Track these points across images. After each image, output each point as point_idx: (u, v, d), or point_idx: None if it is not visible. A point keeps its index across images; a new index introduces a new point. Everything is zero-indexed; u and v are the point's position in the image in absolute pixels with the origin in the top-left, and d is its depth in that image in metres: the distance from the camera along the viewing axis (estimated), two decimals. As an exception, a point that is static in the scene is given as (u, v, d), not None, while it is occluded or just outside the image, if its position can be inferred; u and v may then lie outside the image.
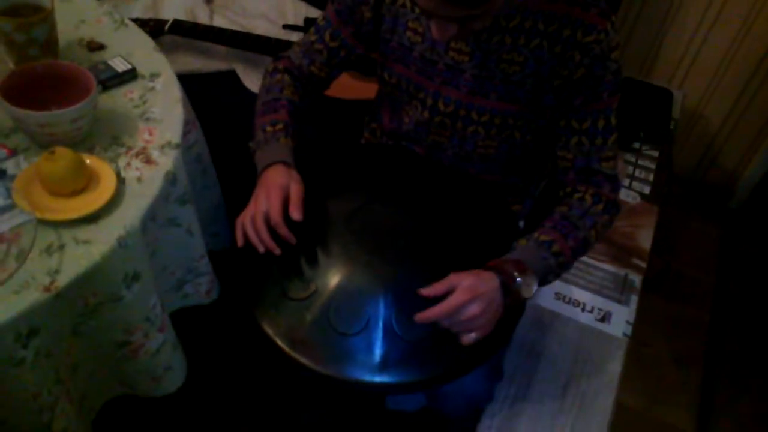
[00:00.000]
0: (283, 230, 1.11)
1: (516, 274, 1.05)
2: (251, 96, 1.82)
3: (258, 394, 1.61)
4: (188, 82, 1.80)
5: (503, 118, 1.19)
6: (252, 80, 1.88)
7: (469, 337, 1.04)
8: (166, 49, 1.38)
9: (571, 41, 1.07)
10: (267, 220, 1.11)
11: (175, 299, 1.29)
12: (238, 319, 1.22)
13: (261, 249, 1.11)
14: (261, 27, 1.99)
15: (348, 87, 1.86)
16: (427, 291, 1.05)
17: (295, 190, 1.13)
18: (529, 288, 1.06)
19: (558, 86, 1.12)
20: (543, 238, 1.11)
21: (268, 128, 1.22)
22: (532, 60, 1.11)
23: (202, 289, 1.30)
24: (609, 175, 1.17)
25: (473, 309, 1.01)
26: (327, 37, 1.28)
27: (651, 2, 2.20)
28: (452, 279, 1.04)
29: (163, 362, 1.17)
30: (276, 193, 1.12)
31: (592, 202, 1.16)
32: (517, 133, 1.21)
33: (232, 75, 1.88)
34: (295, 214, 1.11)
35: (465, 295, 1.01)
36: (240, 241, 1.13)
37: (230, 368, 1.62)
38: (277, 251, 1.11)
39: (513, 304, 1.07)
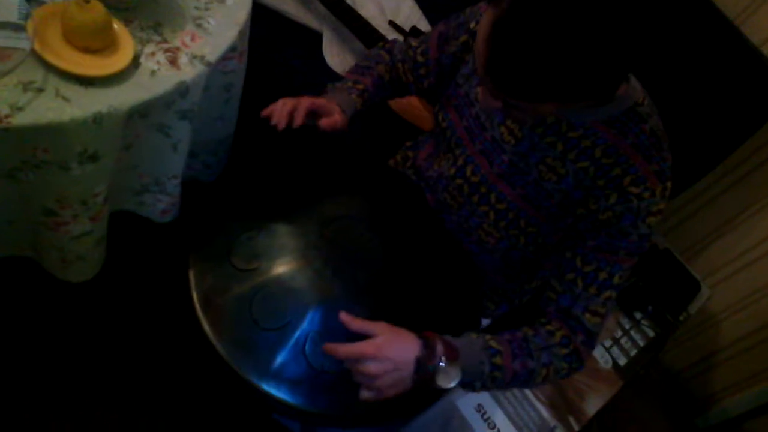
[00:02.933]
0: (301, 114, 1.14)
1: (443, 358, 0.96)
2: (321, 66, 1.78)
3: (156, 333, 1.55)
4: (273, 19, 1.78)
5: (516, 216, 1.13)
6: (331, 52, 1.83)
7: (363, 394, 0.95)
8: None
9: (617, 182, 1.00)
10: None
11: (130, 201, 1.24)
12: (173, 251, 1.17)
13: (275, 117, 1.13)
14: (369, 11, 1.95)
15: (411, 108, 1.81)
16: (346, 318, 0.98)
17: (335, 114, 1.18)
18: (447, 379, 0.97)
19: (580, 215, 1.06)
20: (492, 344, 1.03)
21: (349, 83, 1.28)
22: (572, 177, 1.04)
23: (159, 206, 1.25)
24: (588, 328, 1.07)
25: (371, 367, 0.93)
26: (420, 50, 1.30)
27: (730, 195, 2.13)
28: (375, 326, 0.97)
29: (79, 250, 1.12)
30: (317, 99, 1.18)
31: (559, 342, 1.06)
32: (523, 238, 1.15)
33: (316, 37, 1.84)
34: (324, 122, 1.16)
35: (369, 349, 0.94)
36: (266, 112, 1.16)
37: (142, 288, 1.56)
38: (281, 125, 1.13)
39: (423, 384, 0.97)
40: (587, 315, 1.06)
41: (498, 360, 1.01)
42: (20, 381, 1.43)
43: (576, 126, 1.02)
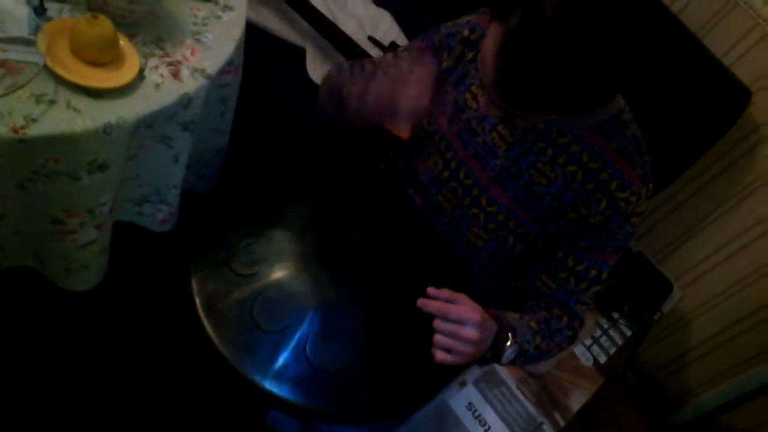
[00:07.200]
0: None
1: (509, 336, 1.04)
2: (305, 80, 1.83)
3: (159, 339, 1.57)
4: (257, 35, 1.82)
5: (506, 218, 1.18)
6: (314, 66, 1.89)
7: (444, 356, 0.97)
8: (254, -3, 1.39)
9: (604, 186, 1.07)
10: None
11: (130, 211, 1.27)
12: (174, 261, 1.20)
13: None
14: (350, 26, 2.01)
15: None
16: (433, 291, 0.99)
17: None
18: (508, 356, 1.04)
19: (572, 219, 1.12)
20: (532, 325, 1.12)
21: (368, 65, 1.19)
22: (561, 181, 1.10)
23: (158, 216, 1.28)
24: (580, 316, 1.19)
25: (473, 333, 0.96)
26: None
27: (697, 199, 2.21)
28: (465, 297, 1.00)
29: (84, 259, 1.15)
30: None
31: (566, 326, 1.18)
32: (511, 238, 1.21)
33: (299, 52, 1.89)
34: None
35: (477, 315, 0.97)
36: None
37: (144, 294, 1.58)
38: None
39: (489, 359, 1.04)
40: (579, 306, 1.19)
41: (537, 340, 1.11)
42: (23, 390, 1.44)
43: (565, 132, 1.08)
